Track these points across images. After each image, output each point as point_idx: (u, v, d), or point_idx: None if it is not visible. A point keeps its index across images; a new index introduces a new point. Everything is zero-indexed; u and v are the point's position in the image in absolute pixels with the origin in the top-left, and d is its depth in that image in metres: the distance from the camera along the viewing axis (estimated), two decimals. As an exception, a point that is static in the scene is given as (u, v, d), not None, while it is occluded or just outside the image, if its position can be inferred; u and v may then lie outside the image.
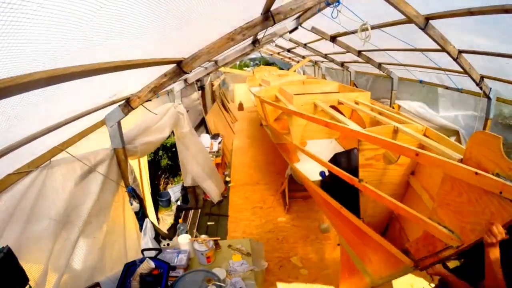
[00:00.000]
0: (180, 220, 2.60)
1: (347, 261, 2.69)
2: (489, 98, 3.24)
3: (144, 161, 3.81)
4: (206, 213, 4.53)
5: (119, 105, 2.14)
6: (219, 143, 5.49)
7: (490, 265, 1.21)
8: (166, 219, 4.51)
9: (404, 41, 3.20)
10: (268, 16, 1.78)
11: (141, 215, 2.52)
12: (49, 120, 1.40)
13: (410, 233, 2.07)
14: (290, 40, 5.90)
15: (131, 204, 2.37)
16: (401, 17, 2.48)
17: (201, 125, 6.34)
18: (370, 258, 2.19)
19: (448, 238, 1.35)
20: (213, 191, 4.37)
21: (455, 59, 2.80)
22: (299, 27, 4.04)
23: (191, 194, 4.58)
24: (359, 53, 4.61)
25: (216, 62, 4.39)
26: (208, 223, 4.11)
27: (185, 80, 4.29)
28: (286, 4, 1.77)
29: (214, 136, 5.72)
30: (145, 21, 1.09)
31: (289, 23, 3.96)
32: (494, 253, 1.18)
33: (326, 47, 5.20)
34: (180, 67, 1.95)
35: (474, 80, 3.07)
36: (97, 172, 2.02)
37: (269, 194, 5.11)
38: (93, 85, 1.46)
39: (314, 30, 4.25)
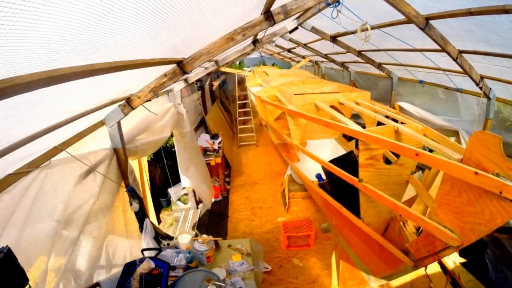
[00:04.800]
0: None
1: (347, 261, 2.69)
2: (489, 98, 3.24)
3: (144, 161, 3.81)
4: (206, 213, 4.53)
5: (119, 105, 2.14)
6: (219, 143, 5.48)
7: None
8: (166, 219, 4.51)
9: (404, 41, 3.20)
10: (268, 16, 1.79)
11: (141, 215, 2.52)
12: (49, 120, 1.40)
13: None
14: (290, 40, 5.89)
15: (131, 204, 2.37)
16: (401, 17, 2.48)
17: (201, 125, 6.33)
18: (370, 258, 2.19)
19: (448, 238, 1.35)
20: (207, 197, 4.35)
21: (455, 59, 2.79)
22: (299, 27, 4.04)
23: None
24: (359, 53, 4.60)
25: (216, 62, 4.39)
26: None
27: (185, 80, 4.29)
28: (286, 4, 1.77)
29: (214, 136, 5.71)
30: (145, 21, 1.09)
31: (289, 23, 3.96)
32: None
33: (326, 47, 5.19)
34: (180, 67, 1.95)
35: (474, 80, 3.06)
36: (97, 172, 2.02)
37: (269, 194, 5.11)
38: (93, 85, 1.45)
39: (314, 30, 4.25)
